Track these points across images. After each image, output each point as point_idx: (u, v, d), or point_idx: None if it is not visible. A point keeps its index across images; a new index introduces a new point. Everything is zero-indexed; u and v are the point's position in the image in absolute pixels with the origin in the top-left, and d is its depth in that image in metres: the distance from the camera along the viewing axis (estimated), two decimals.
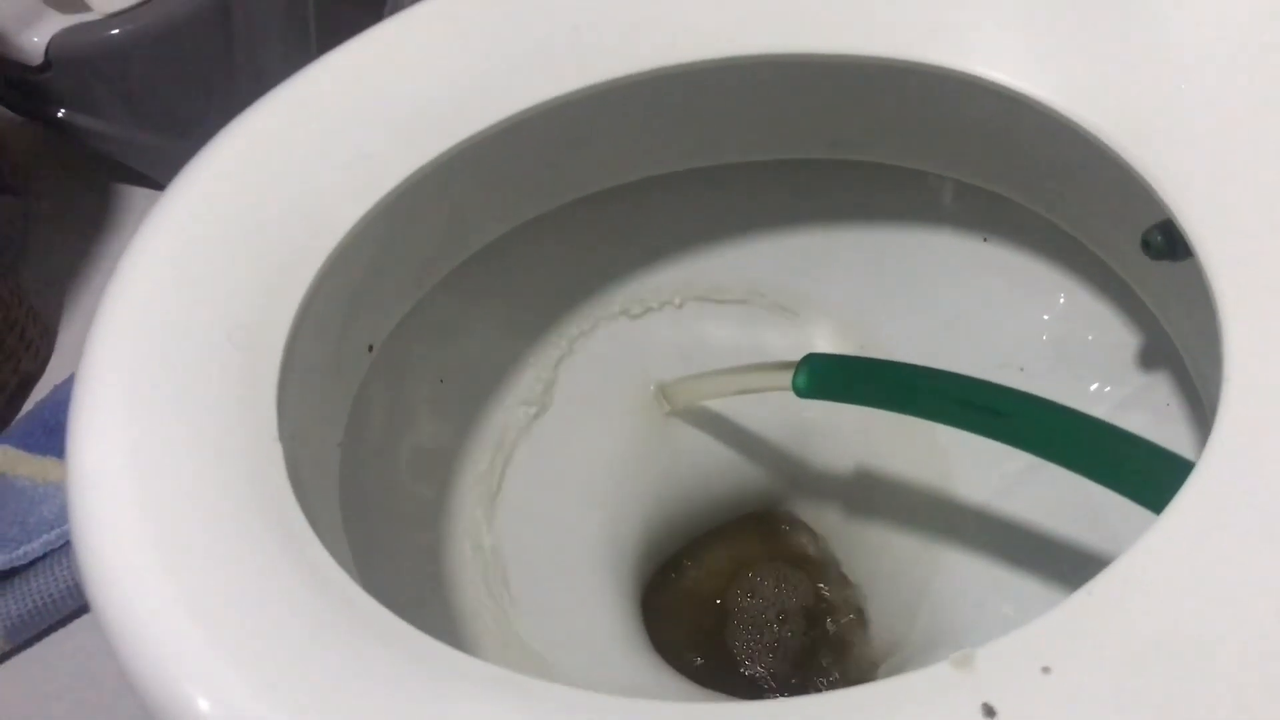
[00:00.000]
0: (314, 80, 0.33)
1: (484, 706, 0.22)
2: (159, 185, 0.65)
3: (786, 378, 0.36)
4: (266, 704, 0.22)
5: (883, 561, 0.44)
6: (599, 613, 0.40)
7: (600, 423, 0.43)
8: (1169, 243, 0.31)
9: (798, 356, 0.38)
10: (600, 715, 0.22)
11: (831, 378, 0.36)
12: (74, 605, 0.48)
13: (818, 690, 0.38)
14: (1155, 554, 0.24)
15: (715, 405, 0.44)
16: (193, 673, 0.23)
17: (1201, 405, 0.36)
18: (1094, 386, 0.40)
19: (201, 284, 0.29)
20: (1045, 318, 0.41)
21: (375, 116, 0.32)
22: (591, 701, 0.23)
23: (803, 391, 0.36)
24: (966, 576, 0.41)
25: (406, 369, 0.38)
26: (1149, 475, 0.27)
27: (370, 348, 0.35)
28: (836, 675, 0.42)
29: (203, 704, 0.22)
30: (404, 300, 0.36)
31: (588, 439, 0.43)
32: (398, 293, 0.36)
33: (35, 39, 0.58)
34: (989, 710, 0.22)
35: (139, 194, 0.67)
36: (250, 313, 0.28)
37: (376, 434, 0.37)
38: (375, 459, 0.36)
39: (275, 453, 0.26)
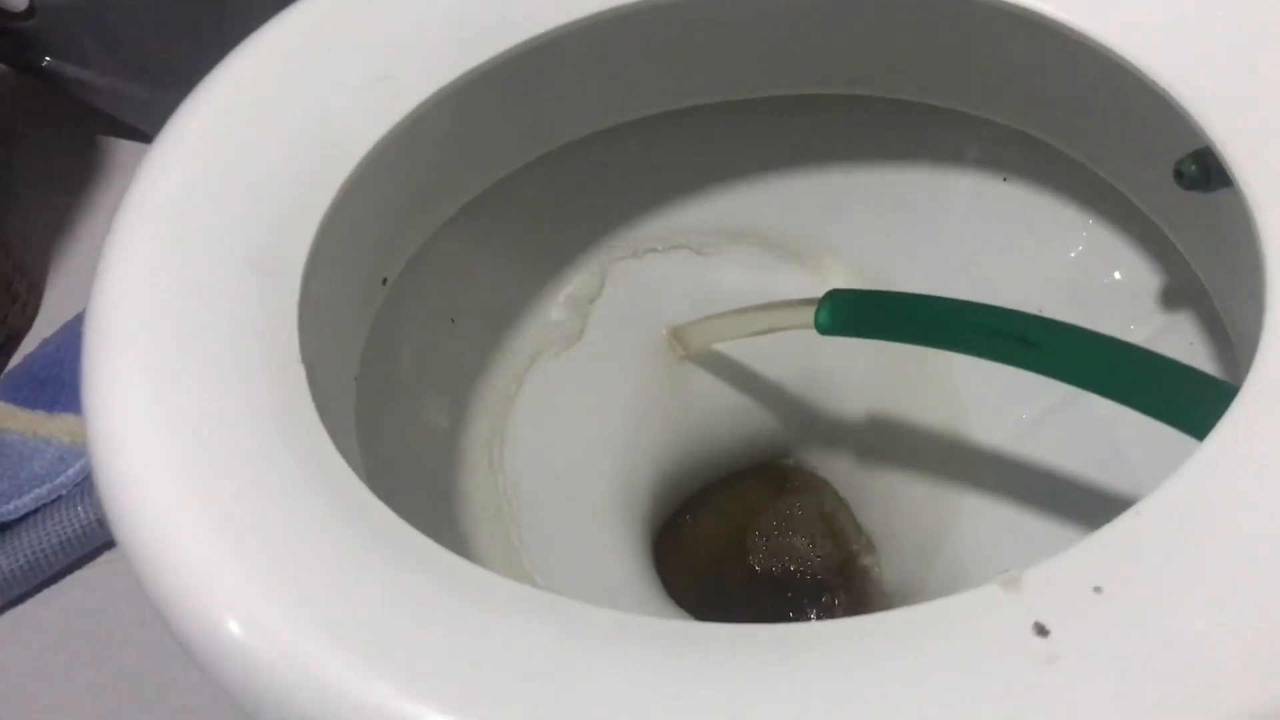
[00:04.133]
0: (326, 2, 0.32)
1: (522, 625, 0.22)
2: (146, 138, 0.65)
3: (808, 315, 0.36)
4: (298, 625, 0.22)
5: (896, 508, 0.44)
6: (610, 556, 0.40)
7: (610, 367, 0.43)
8: (1203, 172, 0.31)
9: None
10: (642, 636, 0.22)
11: (856, 313, 0.35)
12: (65, 560, 0.48)
13: None
14: (1201, 476, 0.24)
15: (727, 351, 0.44)
16: (222, 597, 0.22)
17: (1225, 343, 0.36)
18: (1115, 327, 0.39)
19: (218, 209, 0.28)
20: (1066, 258, 0.41)
21: (391, 38, 0.32)
22: (631, 623, 0.22)
23: (825, 328, 0.35)
24: (985, 522, 0.41)
25: (418, 308, 0.37)
26: (1190, 401, 0.27)
27: (384, 281, 0.34)
28: None
29: (233, 627, 0.22)
30: (418, 233, 0.36)
31: (597, 383, 0.42)
32: (412, 223, 0.36)
33: None
34: (1041, 629, 0.22)
35: (125, 147, 0.66)
36: (269, 236, 0.28)
37: (389, 371, 0.36)
38: (388, 395, 0.36)
39: (299, 375, 0.25)
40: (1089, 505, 0.38)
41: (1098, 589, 0.22)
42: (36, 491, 0.48)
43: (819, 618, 0.43)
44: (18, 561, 0.47)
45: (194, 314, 0.26)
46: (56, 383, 0.53)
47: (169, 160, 0.29)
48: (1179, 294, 0.38)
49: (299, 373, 0.25)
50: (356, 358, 0.32)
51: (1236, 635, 0.21)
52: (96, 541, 0.48)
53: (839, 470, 0.46)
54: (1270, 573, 0.22)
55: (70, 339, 0.55)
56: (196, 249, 0.27)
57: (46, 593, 0.48)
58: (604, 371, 0.43)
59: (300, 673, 0.21)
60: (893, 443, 0.44)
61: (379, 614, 0.22)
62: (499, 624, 0.22)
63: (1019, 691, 0.21)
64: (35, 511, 0.48)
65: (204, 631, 0.22)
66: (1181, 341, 0.38)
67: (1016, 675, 0.21)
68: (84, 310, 0.54)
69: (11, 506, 0.47)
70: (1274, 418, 0.24)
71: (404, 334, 0.37)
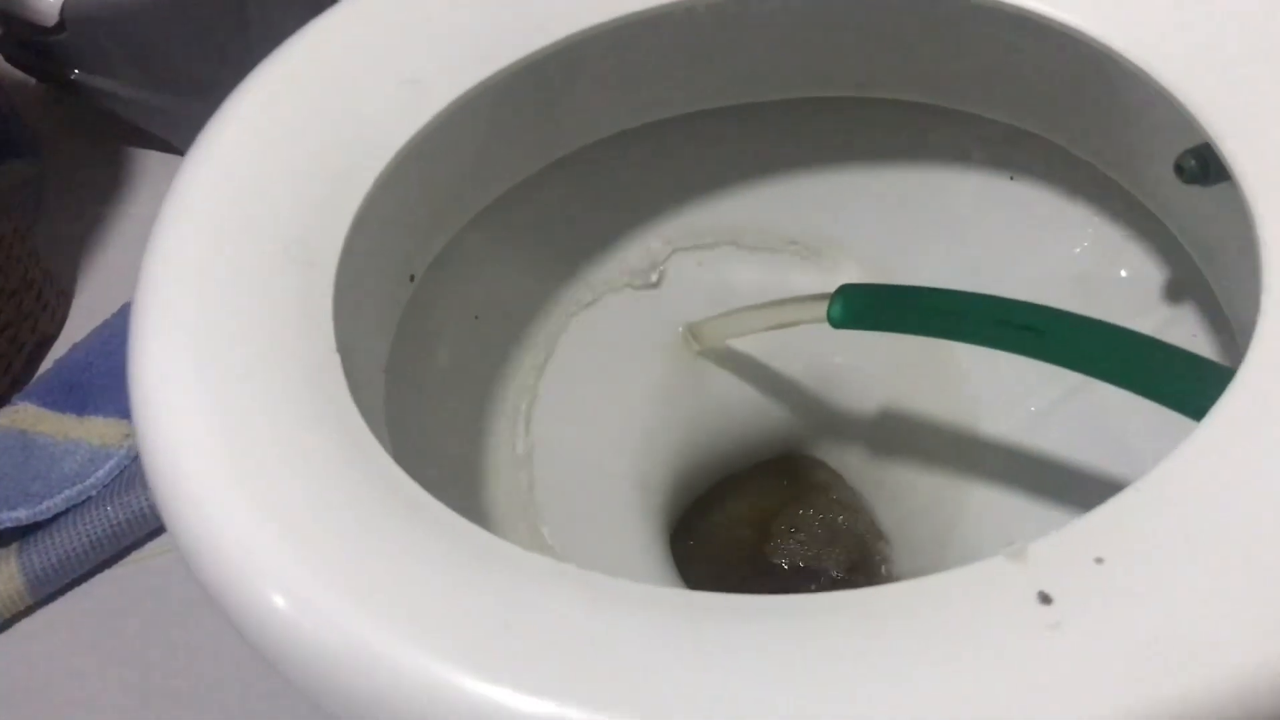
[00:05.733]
0: (359, 7, 0.33)
1: (552, 593, 0.23)
2: (173, 148, 0.66)
3: (821, 309, 0.37)
4: (340, 598, 0.22)
5: (909, 499, 0.44)
6: (629, 546, 0.40)
7: (628, 362, 0.43)
8: (1202, 167, 0.32)
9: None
10: (663, 604, 0.23)
11: (867, 306, 0.36)
12: (95, 559, 0.49)
13: None
14: (1200, 454, 0.24)
15: (743, 348, 0.45)
16: (265, 571, 0.23)
17: (1227, 335, 0.36)
18: (1120, 320, 0.40)
19: (256, 203, 0.29)
20: (1071, 254, 0.41)
21: (419, 44, 0.33)
22: (652, 593, 0.23)
23: (838, 321, 0.36)
24: (996, 511, 0.41)
25: (443, 304, 0.38)
26: (1188, 383, 0.28)
27: (411, 277, 0.35)
28: None
29: (278, 600, 0.23)
30: (443, 232, 0.37)
31: (616, 378, 0.43)
32: (438, 222, 0.36)
33: (50, 0, 0.58)
34: (1045, 597, 0.22)
35: (152, 157, 0.67)
36: (304, 230, 0.29)
37: (415, 364, 0.37)
38: (414, 388, 0.36)
39: (334, 363, 0.26)
40: (1097, 493, 0.38)
41: (1099, 559, 0.23)
42: (67, 492, 0.49)
43: None
44: (49, 560, 0.47)
45: (235, 303, 0.27)
46: (86, 387, 0.53)
47: (209, 159, 0.30)
48: (1182, 288, 0.39)
49: (334, 359, 0.26)
50: (385, 350, 0.33)
51: (1232, 603, 0.22)
52: (126, 541, 0.49)
53: (852, 463, 0.46)
54: (1264, 544, 0.23)
55: (99, 344, 0.55)
56: (237, 242, 0.28)
57: (77, 591, 0.49)
58: (622, 366, 0.43)
59: (341, 641, 0.22)
60: (905, 435, 0.44)
61: (414, 583, 0.23)
62: (529, 591, 0.23)
63: (1023, 656, 0.21)
64: (66, 512, 0.49)
65: (249, 605, 0.23)
66: (1185, 334, 0.38)
67: (1021, 641, 0.21)
68: (112, 316, 0.56)
69: (44, 506, 0.48)
70: (1269, 398, 0.25)
71: (429, 329, 0.38)
